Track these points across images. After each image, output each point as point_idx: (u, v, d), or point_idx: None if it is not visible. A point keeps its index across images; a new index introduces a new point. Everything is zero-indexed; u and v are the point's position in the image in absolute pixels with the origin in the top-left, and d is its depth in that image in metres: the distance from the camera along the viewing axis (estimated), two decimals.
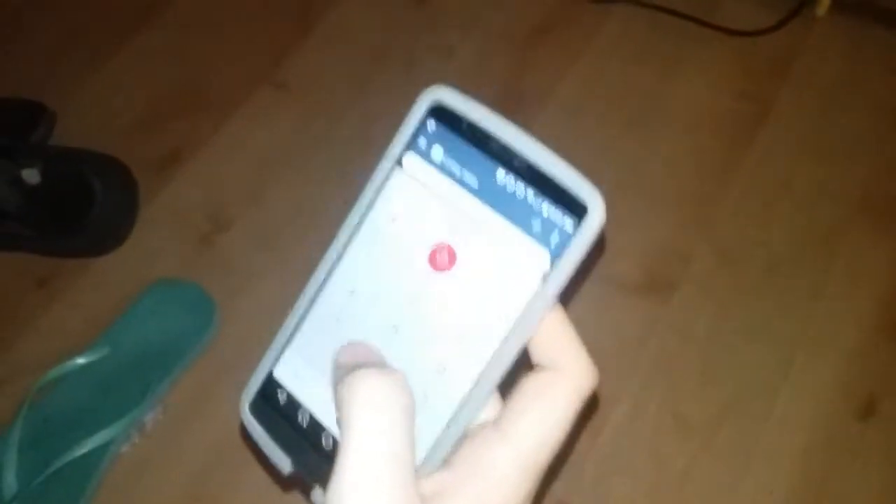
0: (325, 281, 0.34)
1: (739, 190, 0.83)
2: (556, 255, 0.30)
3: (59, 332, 0.79)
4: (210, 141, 0.90)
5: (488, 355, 0.30)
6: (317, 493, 0.32)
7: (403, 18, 0.99)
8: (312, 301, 0.34)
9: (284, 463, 0.34)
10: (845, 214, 0.81)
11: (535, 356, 0.31)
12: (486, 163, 0.31)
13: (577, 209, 0.29)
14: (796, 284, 0.78)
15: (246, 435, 0.35)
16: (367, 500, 0.27)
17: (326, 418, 0.33)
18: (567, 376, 0.30)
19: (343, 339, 0.33)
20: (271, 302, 0.79)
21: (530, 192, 0.30)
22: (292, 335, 0.35)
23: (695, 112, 0.89)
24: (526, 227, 0.30)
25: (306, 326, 0.34)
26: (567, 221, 0.30)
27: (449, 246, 0.32)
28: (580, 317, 0.33)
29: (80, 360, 0.75)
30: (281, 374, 0.35)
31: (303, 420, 0.34)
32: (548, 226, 0.30)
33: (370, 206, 0.33)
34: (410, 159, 0.33)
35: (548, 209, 0.30)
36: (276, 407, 0.34)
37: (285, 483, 0.69)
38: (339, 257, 0.34)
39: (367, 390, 0.29)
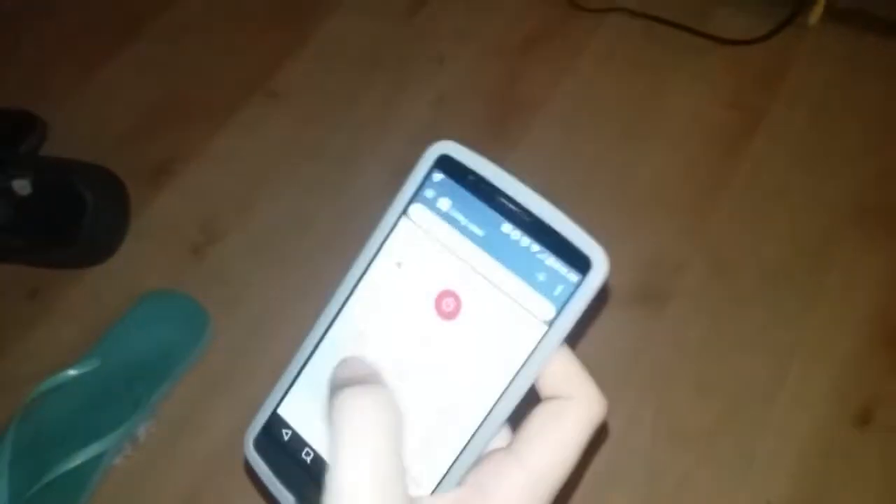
0: (332, 322, 0.35)
1: (732, 200, 0.84)
2: (560, 307, 0.31)
3: (50, 343, 0.78)
4: (202, 151, 0.90)
5: (495, 396, 0.31)
6: None
7: (396, 29, 0.99)
8: (320, 341, 0.35)
9: (288, 501, 0.34)
10: (838, 223, 0.81)
11: (545, 390, 0.32)
12: (492, 215, 0.32)
13: (581, 263, 0.31)
14: (790, 294, 0.78)
15: (250, 471, 0.36)
16: None
17: None
18: (577, 405, 0.31)
19: None
20: (263, 312, 0.79)
21: (535, 245, 0.32)
22: (298, 374, 0.35)
23: (687, 122, 0.90)
24: (530, 279, 0.31)
25: (312, 365, 0.35)
26: (571, 275, 0.31)
27: (455, 294, 0.33)
28: None
29: (72, 372, 0.74)
30: (286, 412, 0.35)
31: (307, 457, 0.34)
32: (552, 278, 0.31)
33: (377, 253, 0.34)
34: (417, 209, 0.34)
35: (552, 262, 0.31)
36: (280, 444, 0.35)
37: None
38: (347, 299, 0.34)
39: (352, 410, 0.30)
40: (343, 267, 0.35)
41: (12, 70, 0.98)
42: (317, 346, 0.35)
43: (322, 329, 0.35)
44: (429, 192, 0.34)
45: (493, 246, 0.32)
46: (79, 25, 1.01)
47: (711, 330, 0.76)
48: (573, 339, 0.32)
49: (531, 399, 0.32)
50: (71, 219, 0.80)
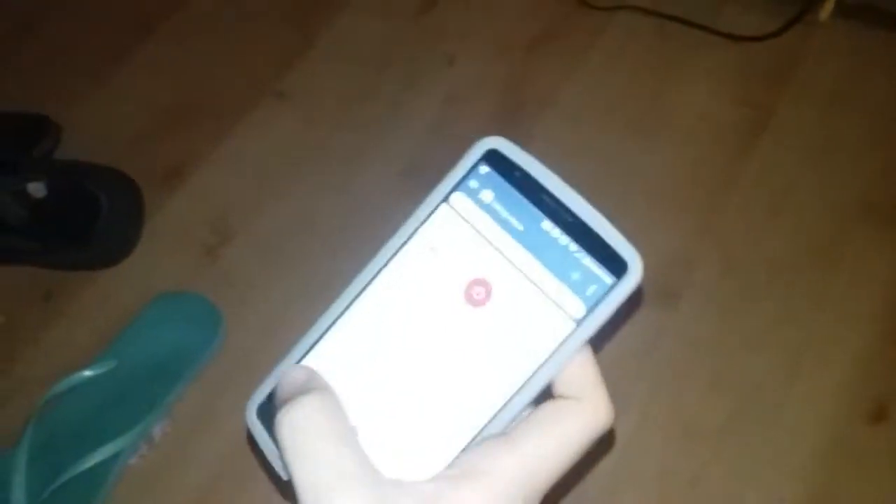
0: (356, 298, 0.35)
1: (742, 196, 0.83)
2: (591, 306, 0.32)
3: (65, 345, 0.79)
4: (213, 152, 0.90)
5: (514, 387, 0.32)
6: None
7: (404, 28, 0.99)
8: (338, 318, 0.35)
9: (285, 470, 0.34)
10: (848, 219, 0.81)
11: (558, 388, 0.32)
12: (533, 212, 0.33)
13: (616, 266, 0.32)
14: (801, 290, 0.77)
15: (251, 440, 0.35)
16: None
17: None
18: (584, 408, 0.31)
19: (365, 359, 0.34)
20: (276, 311, 0.79)
21: (573, 244, 0.32)
22: (313, 346, 0.35)
23: (697, 119, 0.89)
24: (564, 276, 0.32)
25: (329, 339, 0.35)
26: (606, 276, 0.32)
27: (486, 282, 0.33)
28: None
29: (87, 373, 0.75)
30: None
31: None
32: (586, 278, 0.32)
33: (412, 235, 0.35)
34: (459, 198, 0.35)
35: (588, 262, 0.32)
36: None
37: (290, 493, 0.69)
38: (374, 277, 0.35)
39: (288, 429, 0.30)
40: (358, 263, 0.35)
41: (25, 74, 0.99)
42: (335, 322, 0.35)
43: (344, 304, 0.35)
44: (473, 183, 0.35)
45: (531, 241, 0.33)
46: (89, 29, 1.02)
47: (722, 327, 0.76)
48: (599, 342, 0.32)
49: (545, 398, 0.32)
50: (85, 221, 0.81)
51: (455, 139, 0.88)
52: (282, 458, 0.31)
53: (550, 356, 0.32)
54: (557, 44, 0.97)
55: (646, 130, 0.89)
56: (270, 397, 0.35)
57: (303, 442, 0.30)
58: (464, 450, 0.32)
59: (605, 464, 0.70)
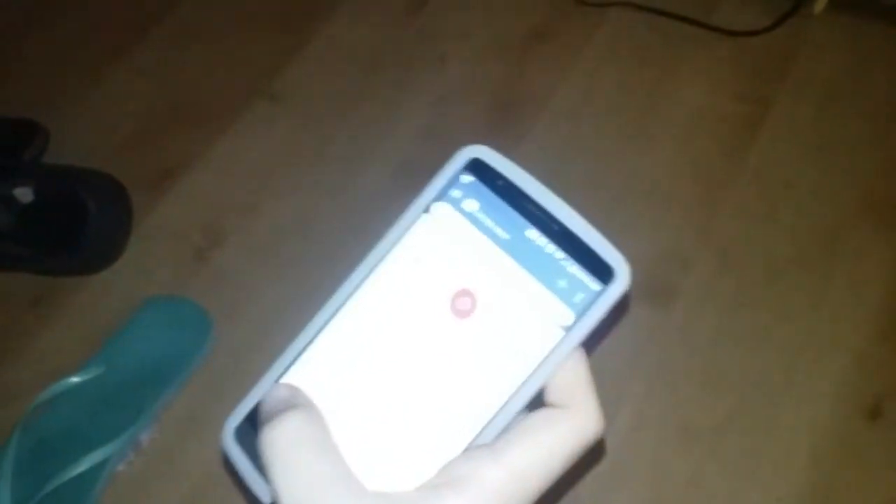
0: (336, 312, 0.34)
1: (739, 193, 0.82)
2: (579, 314, 0.31)
3: (54, 351, 0.78)
4: (204, 156, 0.90)
5: (504, 397, 0.31)
6: None
7: (397, 29, 0.98)
8: (320, 331, 0.34)
9: (265, 494, 0.33)
10: (847, 215, 0.80)
11: (548, 396, 0.32)
12: (518, 220, 0.33)
13: (603, 273, 0.31)
14: (799, 287, 0.76)
15: (227, 464, 0.35)
16: None
17: None
18: (573, 416, 0.31)
19: (351, 371, 0.33)
20: (266, 316, 0.78)
21: (559, 252, 0.32)
22: (292, 363, 0.34)
23: (693, 115, 0.89)
24: (551, 285, 0.32)
25: (309, 357, 0.34)
26: (593, 283, 0.31)
27: (472, 293, 0.33)
28: None
29: (75, 379, 0.74)
30: None
31: None
32: (573, 285, 0.32)
33: (395, 246, 0.34)
34: (441, 207, 0.34)
35: (575, 270, 0.32)
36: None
37: None
38: (355, 290, 0.34)
39: (269, 448, 0.30)
40: (347, 269, 0.35)
41: (14, 78, 0.98)
42: (316, 336, 0.34)
43: (323, 319, 0.34)
44: (456, 193, 0.34)
45: (517, 250, 0.33)
46: (79, 33, 1.02)
47: (720, 326, 0.75)
48: (589, 348, 0.32)
49: (536, 406, 0.32)
50: (73, 226, 0.80)
51: (449, 139, 0.87)
52: (265, 474, 0.31)
53: (539, 365, 0.31)
54: (551, 41, 0.96)
55: (641, 128, 0.88)
56: (247, 419, 0.34)
57: (285, 458, 0.30)
58: (451, 461, 0.31)
59: (601, 464, 0.69)
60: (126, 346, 0.76)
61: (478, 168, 0.34)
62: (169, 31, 1.01)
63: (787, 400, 0.71)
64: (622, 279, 0.31)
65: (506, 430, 0.31)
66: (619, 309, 0.31)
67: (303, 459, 0.30)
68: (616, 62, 0.94)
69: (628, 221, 0.81)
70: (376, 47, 0.97)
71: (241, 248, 0.83)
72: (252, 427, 0.34)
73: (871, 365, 0.72)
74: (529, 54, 0.95)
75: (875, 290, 0.76)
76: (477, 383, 0.32)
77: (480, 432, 0.31)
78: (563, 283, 0.32)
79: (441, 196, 0.34)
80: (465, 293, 0.33)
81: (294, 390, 0.33)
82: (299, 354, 0.34)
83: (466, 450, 0.31)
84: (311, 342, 0.34)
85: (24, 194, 0.80)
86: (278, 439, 0.30)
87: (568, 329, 0.31)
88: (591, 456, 0.69)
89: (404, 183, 0.84)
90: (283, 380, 0.34)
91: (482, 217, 0.33)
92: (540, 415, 0.31)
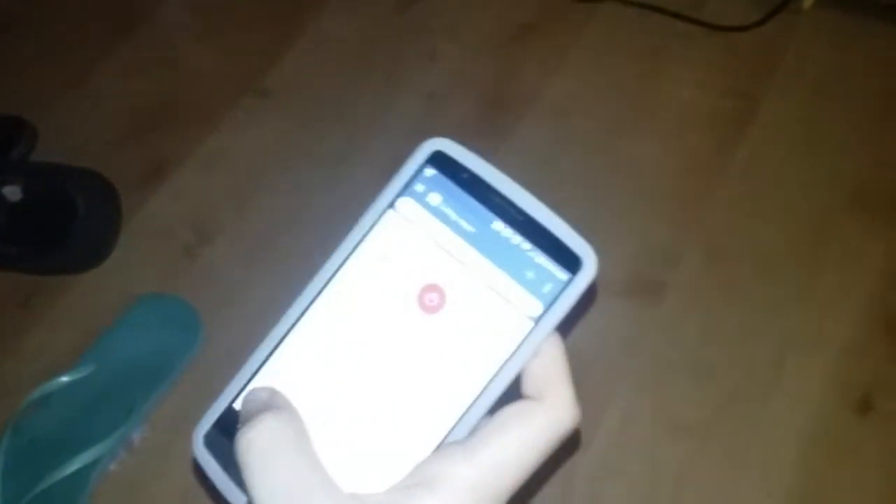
0: (303, 313, 0.34)
1: (728, 187, 0.83)
2: (548, 304, 0.31)
3: (44, 350, 0.78)
4: (193, 152, 0.89)
5: (476, 391, 0.31)
6: None
7: (386, 25, 0.98)
8: (287, 333, 0.34)
9: (239, 499, 0.33)
10: (836, 209, 0.80)
11: (524, 387, 0.31)
12: (483, 212, 0.33)
13: (571, 262, 0.31)
14: (787, 281, 0.77)
15: (199, 471, 0.34)
16: None
17: None
18: (547, 408, 0.30)
19: (320, 372, 0.33)
20: (257, 314, 0.78)
21: (526, 243, 0.32)
22: (260, 367, 0.34)
23: (682, 110, 0.89)
24: (518, 276, 0.32)
25: (277, 359, 0.34)
26: (560, 273, 0.31)
27: (439, 288, 0.33)
28: None
29: (65, 379, 0.74)
30: None
31: None
32: (541, 276, 0.32)
33: (360, 243, 0.34)
34: (406, 203, 0.34)
35: (542, 260, 0.32)
36: (232, 440, 0.33)
37: None
38: (322, 291, 0.34)
39: (246, 448, 0.30)
40: (314, 270, 0.34)
41: (1, 76, 0.98)
42: (284, 337, 0.34)
43: (291, 321, 0.34)
44: (419, 187, 0.34)
45: (483, 242, 0.32)
46: (67, 30, 1.01)
47: (708, 320, 0.75)
48: (564, 333, 0.32)
49: (513, 398, 0.32)
50: (62, 224, 0.80)
51: (440, 134, 0.86)
52: (239, 477, 0.31)
53: (509, 358, 0.31)
54: (541, 37, 0.96)
55: (631, 123, 0.88)
56: (219, 424, 0.34)
57: (263, 459, 0.29)
58: (424, 460, 0.31)
59: (592, 458, 0.69)
60: (116, 345, 0.76)
61: (440, 161, 0.34)
62: (157, 27, 1.01)
63: (777, 394, 0.71)
64: (589, 268, 0.31)
65: (479, 425, 0.31)
66: (588, 297, 0.31)
67: (280, 462, 0.29)
68: (606, 57, 0.94)
69: (617, 216, 0.81)
70: (366, 43, 0.97)
71: (231, 245, 0.83)
72: (222, 433, 0.34)
73: (860, 359, 0.72)
74: (520, 50, 0.95)
75: (863, 283, 0.76)
76: (448, 378, 0.32)
77: (453, 427, 0.31)
78: (530, 274, 0.32)
79: (404, 191, 0.34)
80: (432, 288, 0.33)
81: (273, 393, 0.33)
82: (266, 359, 0.34)
83: (439, 448, 0.31)
84: (277, 346, 0.34)
85: (12, 193, 0.80)
86: (255, 440, 0.30)
87: (537, 320, 0.31)
88: (586, 442, 0.69)
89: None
90: (251, 385, 0.34)
91: (447, 210, 0.33)
92: (514, 408, 0.30)
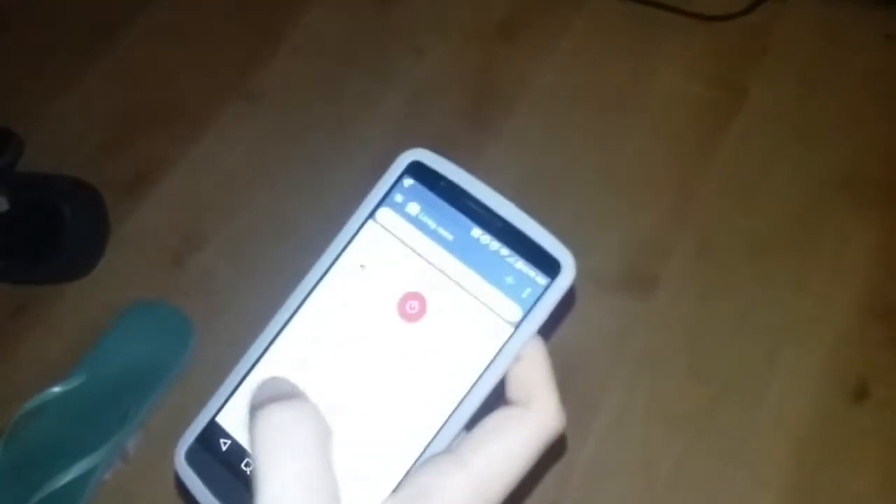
0: (284, 325, 0.34)
1: (718, 178, 0.82)
2: (527, 309, 0.32)
3: (36, 360, 0.78)
4: (180, 158, 0.89)
5: (457, 398, 0.31)
6: None
7: (371, 22, 0.98)
8: (269, 345, 0.34)
9: None
10: (827, 197, 0.80)
11: (509, 392, 0.32)
12: (462, 220, 0.33)
13: (549, 267, 0.32)
14: (779, 271, 0.77)
15: (180, 486, 0.34)
16: None
17: None
18: (533, 414, 0.31)
19: (302, 384, 0.32)
20: (248, 319, 0.77)
21: (504, 249, 0.32)
22: (242, 380, 0.34)
23: (671, 101, 0.88)
24: (498, 282, 0.32)
25: (260, 371, 0.34)
26: (539, 278, 0.32)
27: (420, 296, 0.33)
28: None
29: (58, 389, 0.74)
30: (226, 421, 0.34)
31: (246, 468, 0.33)
32: (520, 281, 0.32)
33: (340, 254, 0.34)
34: (385, 213, 0.34)
35: (521, 266, 0.32)
36: (216, 455, 0.33)
37: None
38: (303, 302, 0.34)
39: (270, 427, 0.29)
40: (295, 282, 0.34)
41: None
42: (266, 350, 0.34)
43: (272, 333, 0.34)
44: (398, 197, 0.34)
45: (462, 250, 0.33)
46: (51, 38, 1.00)
47: (701, 311, 0.75)
48: (545, 337, 0.32)
49: (497, 404, 0.32)
50: (50, 234, 0.79)
51: (428, 132, 0.87)
52: (224, 491, 0.30)
53: (490, 364, 0.31)
54: (528, 31, 0.95)
55: (619, 114, 0.88)
56: (202, 439, 0.34)
57: (281, 444, 0.28)
58: (410, 469, 0.31)
59: (587, 453, 0.69)
60: (108, 354, 0.76)
61: (418, 171, 0.34)
62: (140, 32, 1.00)
63: (772, 383, 0.71)
64: (568, 271, 0.32)
65: (464, 432, 0.31)
66: (568, 300, 0.31)
67: (294, 453, 0.28)
68: (592, 50, 0.93)
69: (607, 209, 0.81)
70: (351, 41, 0.97)
71: (219, 250, 0.83)
72: (204, 448, 0.33)
73: (855, 346, 0.72)
74: (506, 44, 0.95)
75: (855, 270, 0.76)
76: (430, 387, 0.32)
77: (437, 434, 0.31)
78: (510, 280, 0.32)
79: (383, 202, 0.34)
80: (412, 297, 0.33)
81: (295, 386, 0.32)
82: (249, 372, 0.34)
83: (428, 457, 0.31)
84: (259, 359, 0.34)
85: None
86: (277, 422, 0.28)
87: (517, 325, 0.31)
88: (581, 437, 0.69)
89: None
90: (234, 399, 0.34)
91: (425, 219, 0.34)
92: (499, 416, 0.31)
